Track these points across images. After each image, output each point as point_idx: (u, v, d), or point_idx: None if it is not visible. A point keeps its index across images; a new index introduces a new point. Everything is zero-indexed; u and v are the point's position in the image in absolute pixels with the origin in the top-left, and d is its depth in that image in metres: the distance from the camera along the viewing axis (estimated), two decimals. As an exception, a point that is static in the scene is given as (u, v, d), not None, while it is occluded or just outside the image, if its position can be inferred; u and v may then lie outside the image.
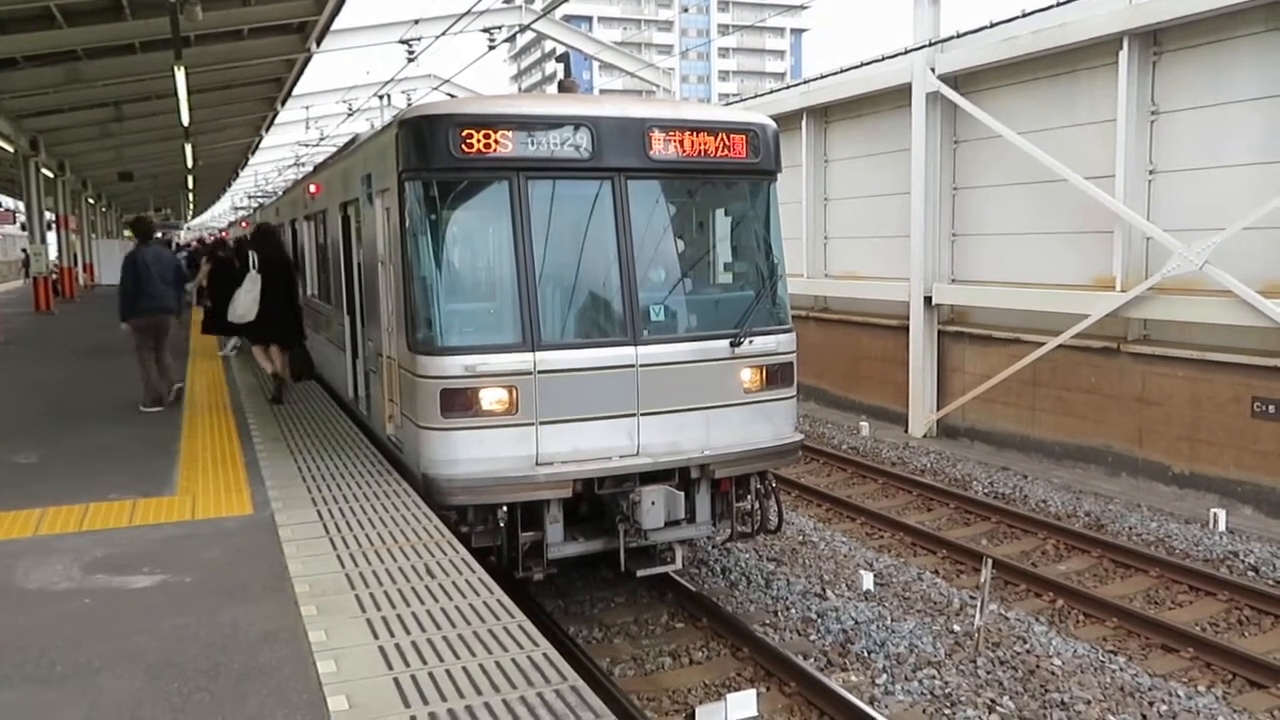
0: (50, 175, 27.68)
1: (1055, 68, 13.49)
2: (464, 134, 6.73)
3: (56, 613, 4.82)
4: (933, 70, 14.95)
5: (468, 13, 19.05)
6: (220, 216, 77.13)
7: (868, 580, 8.82)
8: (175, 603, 4.92)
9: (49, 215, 28.49)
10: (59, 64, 17.70)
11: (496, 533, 6.92)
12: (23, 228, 30.00)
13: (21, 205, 29.33)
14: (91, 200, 41.15)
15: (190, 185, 43.88)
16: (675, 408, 7.21)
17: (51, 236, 29.24)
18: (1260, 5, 10.82)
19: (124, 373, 12.72)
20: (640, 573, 7.52)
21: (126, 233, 50.79)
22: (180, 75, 15.37)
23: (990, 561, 8.00)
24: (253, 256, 10.79)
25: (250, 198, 55.79)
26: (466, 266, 7.49)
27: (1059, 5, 13.15)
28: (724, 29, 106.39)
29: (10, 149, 22.69)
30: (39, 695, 3.96)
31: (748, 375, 7.53)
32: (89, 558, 5.61)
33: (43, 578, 5.32)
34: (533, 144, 6.90)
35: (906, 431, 16.03)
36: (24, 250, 37.98)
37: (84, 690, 3.98)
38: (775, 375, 7.69)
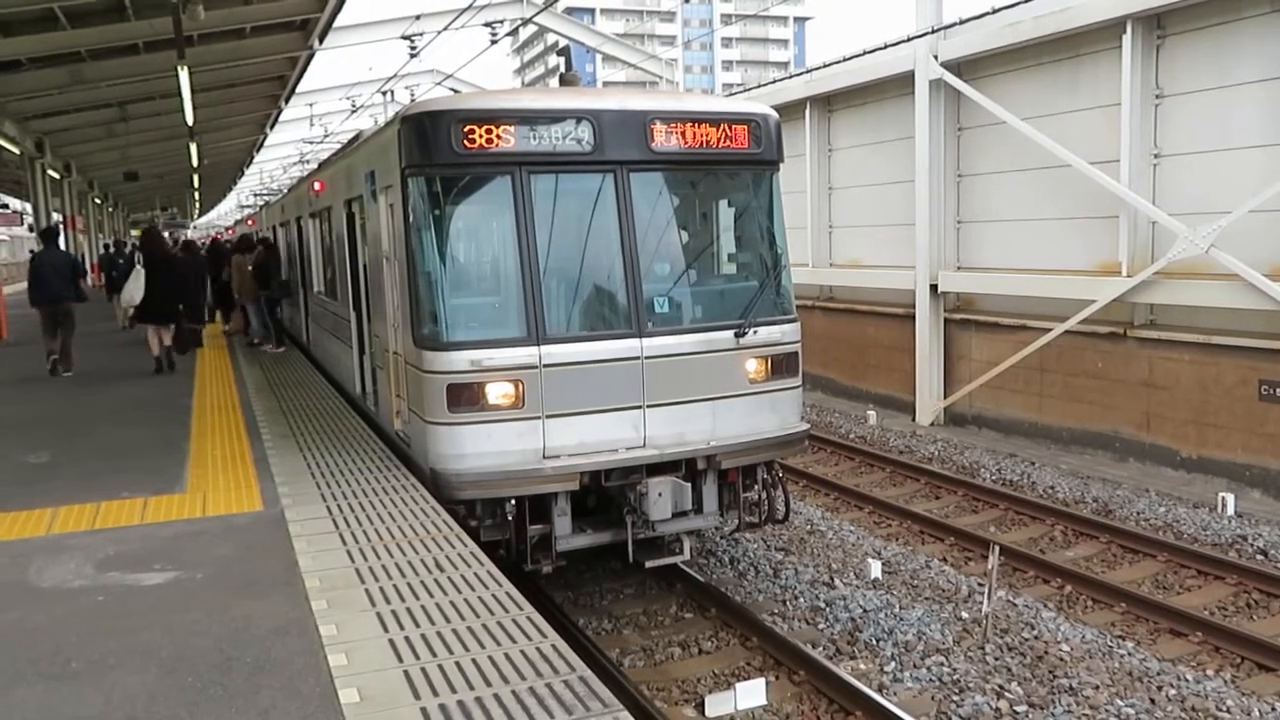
0: (56, 176, 27.76)
1: (1058, 53, 13.45)
2: (466, 129, 6.75)
3: (70, 610, 4.87)
4: (936, 57, 14.90)
5: (469, 7, 19.06)
6: (226, 215, 77.24)
7: (876, 569, 8.84)
8: (187, 599, 4.97)
9: (56, 216, 28.59)
10: (63, 65, 17.76)
11: (505, 526, 6.96)
12: (30, 229, 30.09)
13: (29, 207, 29.41)
14: (98, 201, 41.29)
15: (196, 184, 43.97)
16: (681, 399, 7.24)
17: (59, 239, 29.26)
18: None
19: (124, 371, 13.26)
20: (649, 564, 7.56)
21: (134, 232, 51.08)
22: (184, 75, 15.40)
23: (998, 548, 8.01)
24: (138, 254, 13.36)
25: (256, 195, 55.90)
26: (471, 261, 7.53)
27: (1061, -10, 13.11)
28: (727, 19, 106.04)
29: (16, 151, 22.78)
30: (54, 691, 4.01)
31: (753, 365, 7.55)
32: (101, 555, 5.66)
33: (56, 576, 5.37)
34: (535, 138, 6.92)
35: (914, 420, 16.04)
36: (32, 251, 38.09)
37: (98, 686, 4.03)
38: (780, 365, 7.70)
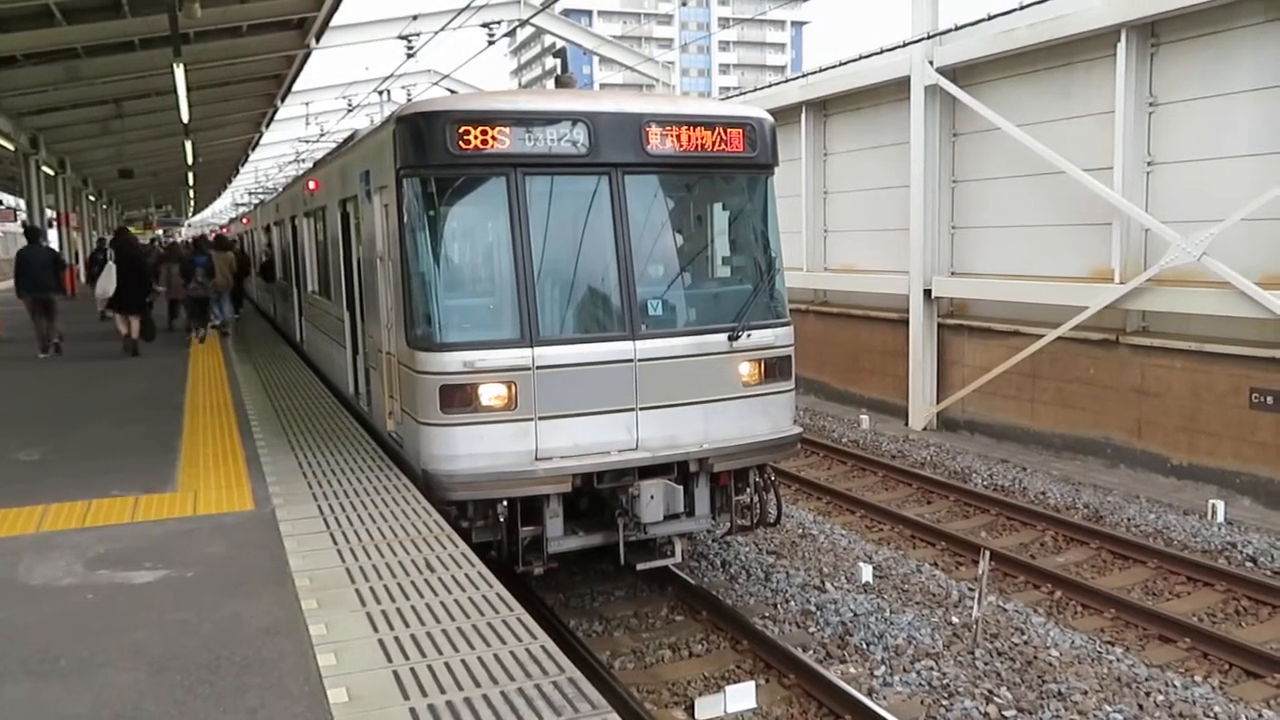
0: (51, 173, 27.68)
1: (1053, 60, 13.49)
2: (461, 130, 6.75)
3: (59, 608, 4.86)
4: (931, 63, 14.95)
5: (467, 8, 19.06)
6: (221, 213, 77.05)
7: (866, 573, 8.85)
8: (177, 597, 4.96)
9: (50, 213, 28.51)
10: (59, 61, 17.70)
11: (496, 527, 6.97)
12: (24, 225, 30.06)
13: (22, 203, 29.37)
14: (92, 198, 41.17)
15: (191, 182, 43.86)
16: (673, 402, 7.25)
17: (53, 234, 29.25)
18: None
19: (121, 371, 13.38)
20: (640, 566, 7.57)
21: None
22: (179, 72, 15.38)
23: (988, 553, 8.04)
24: (110, 251, 15.50)
25: (251, 194, 55.77)
26: (465, 262, 7.52)
27: (1056, -3, 13.15)
28: (724, 22, 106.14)
29: (11, 147, 22.70)
30: (43, 689, 4.00)
31: (746, 369, 7.56)
32: (91, 553, 5.65)
33: (46, 573, 5.36)
34: (530, 140, 6.93)
35: (906, 424, 16.06)
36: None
37: (87, 684, 4.02)
38: (773, 369, 7.72)
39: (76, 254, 31.64)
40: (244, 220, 32.70)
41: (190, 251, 18.23)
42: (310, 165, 18.27)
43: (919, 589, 8.68)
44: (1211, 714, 6.53)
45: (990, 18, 14.31)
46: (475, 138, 6.78)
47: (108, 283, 14.67)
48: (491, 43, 22.02)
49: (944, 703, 6.56)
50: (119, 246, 15.68)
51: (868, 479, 13.02)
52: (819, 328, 18.58)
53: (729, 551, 9.41)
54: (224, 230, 39.57)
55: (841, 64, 17.99)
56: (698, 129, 7.41)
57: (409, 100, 19.63)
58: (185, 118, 20.18)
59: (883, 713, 6.16)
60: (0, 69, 17.38)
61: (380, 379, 8.43)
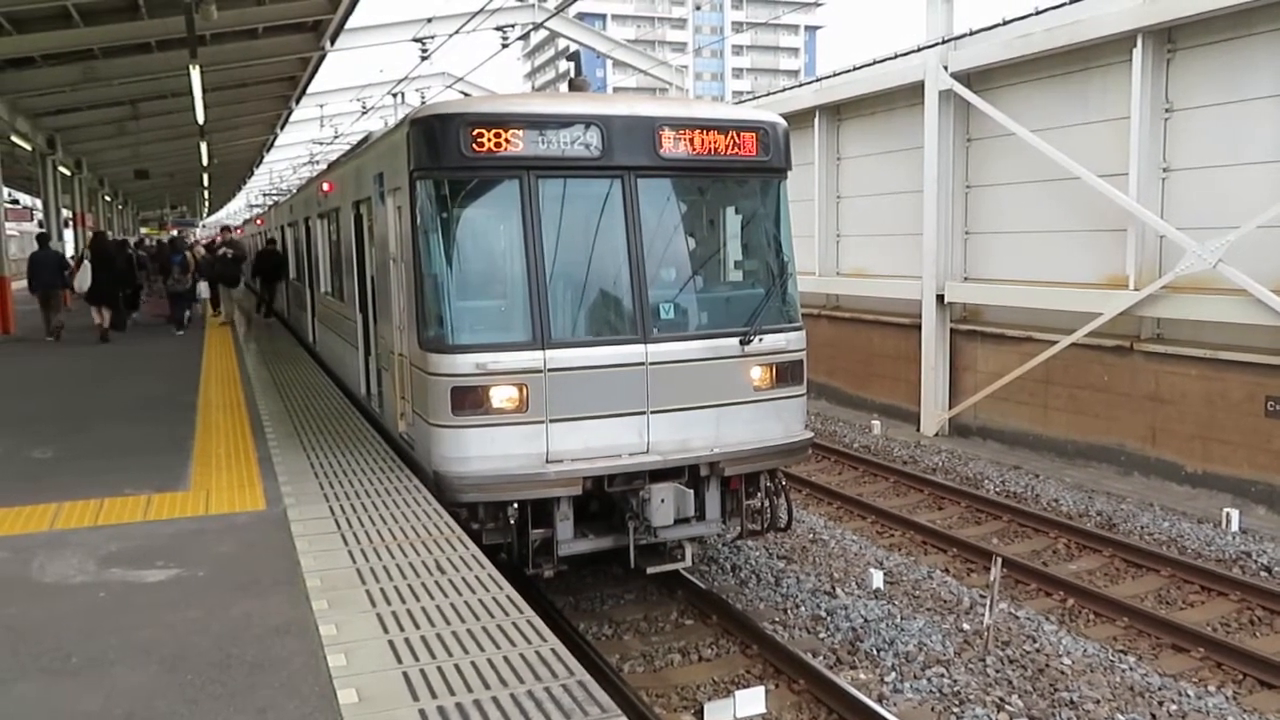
0: (67, 173, 27.87)
1: (1069, 65, 13.44)
2: (475, 133, 6.77)
3: (72, 606, 4.88)
4: (946, 68, 14.90)
5: (481, 11, 19.09)
6: (235, 214, 77.41)
7: (877, 578, 8.82)
8: (188, 596, 4.98)
9: (66, 213, 28.69)
10: (76, 62, 17.86)
11: (507, 530, 6.97)
12: (40, 225, 30.25)
13: (39, 203, 29.56)
14: (108, 198, 41.43)
15: (206, 183, 44.11)
16: (685, 405, 7.24)
17: (69, 234, 29.46)
18: (1276, 2, 10.75)
19: (134, 370, 13.31)
20: (650, 570, 7.55)
21: (143, 229, 51.14)
22: (195, 74, 15.47)
23: (1000, 560, 7.99)
24: (86, 251, 18.32)
25: (265, 195, 56.03)
26: (477, 264, 7.51)
27: (1072, 3, 13.09)
28: (738, 26, 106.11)
29: (28, 147, 22.86)
30: (55, 686, 4.02)
31: (758, 373, 7.55)
32: (104, 552, 5.68)
33: (58, 571, 5.39)
34: (543, 143, 6.93)
35: (918, 430, 16.00)
36: (33, 253, 38.17)
37: (99, 682, 4.03)
38: (785, 373, 7.70)
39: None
40: (258, 221, 32.85)
41: (168, 250, 20.84)
42: (324, 167, 18.38)
43: (930, 595, 8.64)
44: (1225, 724, 6.48)
45: (1005, 22, 14.26)
46: (489, 140, 6.79)
47: (85, 278, 16.84)
48: (505, 46, 22.07)
49: (955, 710, 6.52)
50: (94, 248, 18.29)
51: (879, 484, 12.97)
52: (831, 332, 18.54)
53: (739, 556, 9.39)
54: (237, 232, 39.80)
55: (855, 69, 17.95)
56: (711, 133, 7.41)
57: (423, 103, 19.70)
58: (201, 119, 20.30)
59: (893, 719, 6.13)
60: (18, 69, 17.56)
61: (392, 380, 8.45)
